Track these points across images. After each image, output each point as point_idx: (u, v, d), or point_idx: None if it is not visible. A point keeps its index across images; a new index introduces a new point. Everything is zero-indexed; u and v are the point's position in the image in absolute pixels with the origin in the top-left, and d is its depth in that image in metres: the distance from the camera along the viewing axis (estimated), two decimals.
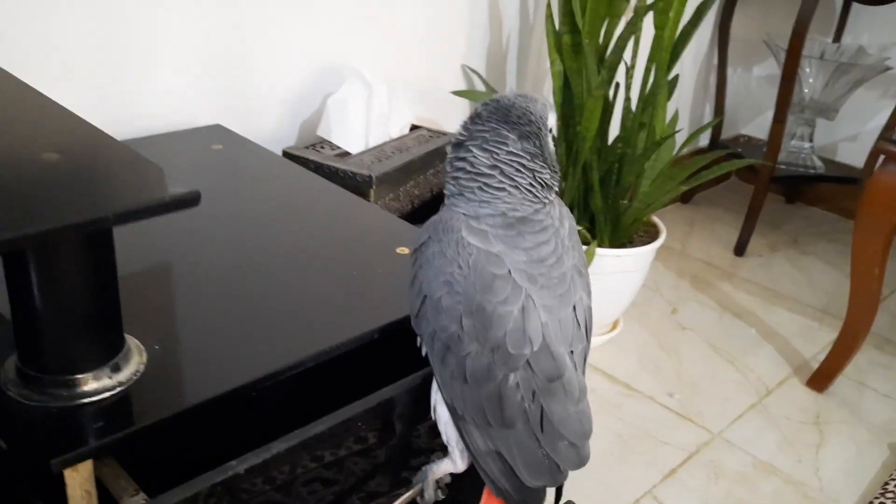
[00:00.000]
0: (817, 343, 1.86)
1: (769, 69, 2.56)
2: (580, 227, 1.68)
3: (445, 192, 0.68)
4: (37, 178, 0.59)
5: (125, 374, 0.67)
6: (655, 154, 1.65)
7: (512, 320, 0.61)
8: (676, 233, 2.36)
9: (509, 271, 0.62)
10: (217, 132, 1.23)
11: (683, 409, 1.61)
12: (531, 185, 0.65)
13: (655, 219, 1.78)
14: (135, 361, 0.69)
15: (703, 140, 2.56)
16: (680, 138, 1.71)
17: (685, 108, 2.45)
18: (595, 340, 1.77)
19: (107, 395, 0.65)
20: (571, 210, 1.67)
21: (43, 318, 0.62)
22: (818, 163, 2.37)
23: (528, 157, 0.65)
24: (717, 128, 2.49)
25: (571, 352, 0.65)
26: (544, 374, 0.62)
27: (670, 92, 1.67)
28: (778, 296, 2.07)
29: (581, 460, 0.66)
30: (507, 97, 0.66)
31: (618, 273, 1.66)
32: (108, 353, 0.66)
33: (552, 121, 0.67)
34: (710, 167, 1.67)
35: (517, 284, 0.62)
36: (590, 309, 0.68)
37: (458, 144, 0.66)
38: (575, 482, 1.37)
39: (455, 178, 0.66)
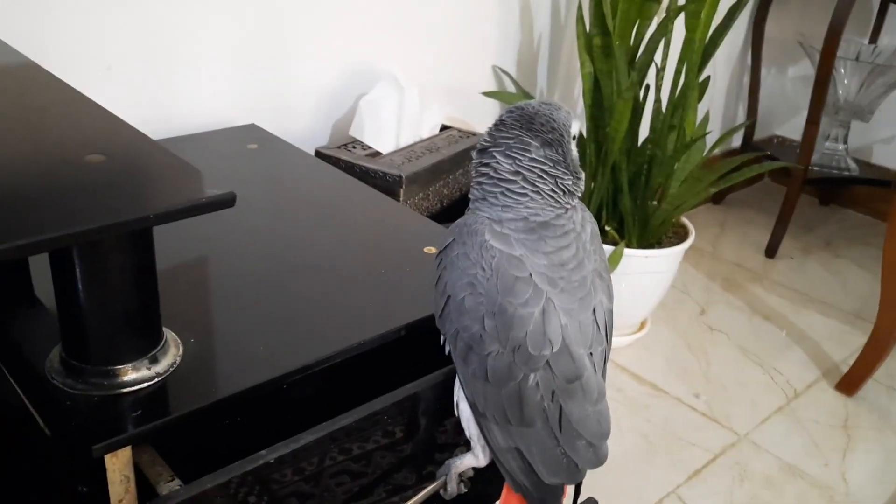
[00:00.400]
0: (848, 347, 1.85)
1: (804, 70, 2.54)
2: (608, 228, 1.69)
3: (470, 196, 0.70)
4: (81, 178, 0.62)
5: (162, 366, 0.70)
6: (685, 155, 1.65)
7: (532, 322, 0.63)
8: (707, 234, 2.35)
9: (530, 274, 0.64)
10: (253, 132, 1.27)
11: (710, 410, 1.61)
12: (553, 190, 0.67)
13: (685, 220, 1.78)
14: (171, 354, 0.72)
15: (736, 141, 2.55)
16: (711, 140, 1.71)
17: (718, 108, 2.44)
18: (622, 341, 1.78)
19: (145, 385, 0.68)
20: (600, 210, 1.68)
21: (86, 313, 0.65)
22: (853, 165, 2.34)
23: (551, 164, 0.67)
24: (750, 129, 2.48)
25: (591, 354, 0.66)
26: (563, 375, 0.64)
27: (701, 94, 1.67)
28: (809, 299, 2.05)
29: (599, 460, 0.67)
30: (532, 105, 0.68)
31: (646, 274, 1.66)
32: (146, 346, 0.69)
33: (576, 128, 0.69)
34: (740, 169, 1.67)
35: (538, 287, 0.64)
36: (610, 312, 0.70)
37: (483, 150, 0.68)
38: (599, 480, 1.38)
39: (479, 183, 0.68)
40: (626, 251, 1.59)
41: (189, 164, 0.64)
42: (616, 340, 1.77)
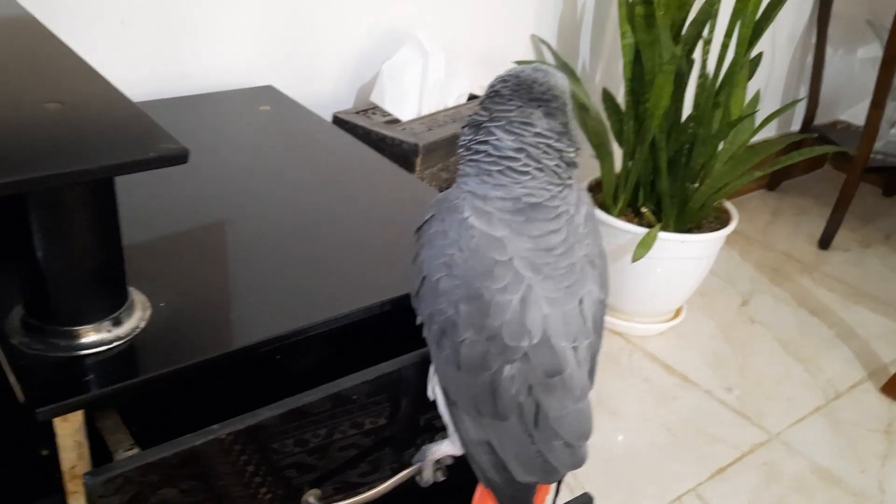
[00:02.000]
0: None
1: (874, 51, 2.38)
2: (645, 209, 1.61)
3: (459, 173, 0.64)
4: (36, 126, 0.59)
5: (125, 329, 0.67)
6: (731, 135, 1.55)
7: (510, 310, 0.58)
8: (758, 221, 2.24)
9: (511, 258, 0.58)
10: (268, 93, 1.23)
11: (742, 406, 1.53)
12: (557, 165, 0.61)
13: (729, 205, 1.68)
14: (136, 317, 0.69)
15: (796, 125, 2.42)
16: (761, 120, 1.60)
17: (776, 88, 2.31)
18: (654, 328, 1.70)
19: (104, 348, 0.65)
20: (636, 191, 1.60)
21: (44, 269, 0.62)
22: None
23: (556, 137, 0.61)
24: (810, 112, 2.34)
25: (575, 347, 0.60)
26: (543, 369, 0.59)
27: (752, 71, 1.56)
28: (862, 294, 1.94)
29: (576, 462, 0.62)
30: (526, 71, 0.61)
31: (682, 259, 1.58)
32: (108, 307, 0.66)
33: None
34: (787, 152, 1.57)
35: (519, 273, 0.58)
36: (601, 303, 0.64)
37: (478, 126, 0.62)
38: (615, 471, 1.33)
39: (474, 161, 0.62)
40: (662, 235, 1.51)
41: (149, 117, 0.60)
42: (648, 327, 1.70)
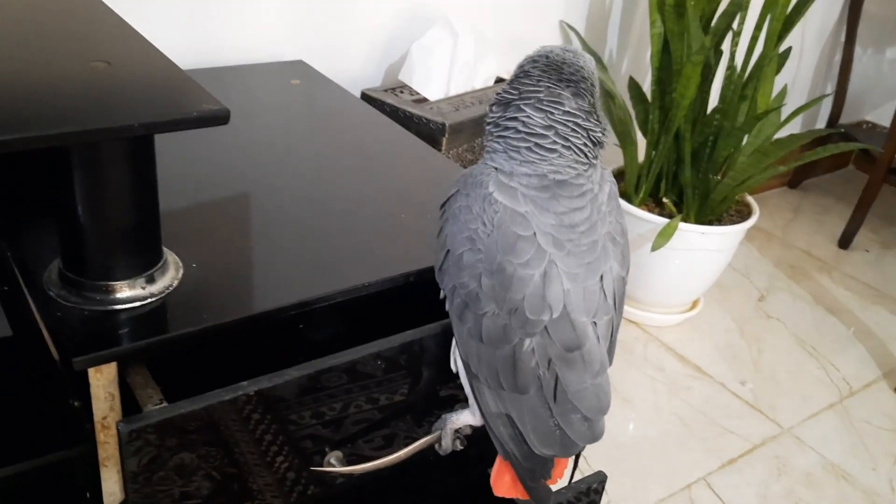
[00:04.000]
0: None
1: None
2: (666, 200, 1.62)
3: (487, 149, 0.65)
4: (83, 83, 0.60)
5: (159, 287, 0.69)
6: (756, 128, 1.55)
7: (532, 284, 0.59)
8: (779, 218, 2.24)
9: (535, 233, 0.59)
10: (299, 68, 1.24)
11: (755, 399, 1.53)
12: (584, 144, 0.62)
13: (751, 199, 1.68)
14: (170, 276, 0.70)
15: (821, 123, 2.40)
16: (786, 115, 1.60)
17: (803, 85, 2.30)
18: (670, 319, 1.71)
19: (138, 304, 0.67)
20: (659, 181, 1.61)
21: (82, 224, 0.64)
22: None
23: (584, 116, 0.62)
24: (836, 111, 2.33)
25: (595, 322, 0.61)
26: (562, 343, 0.60)
27: (780, 65, 1.56)
28: (880, 295, 1.93)
29: (594, 435, 0.63)
30: (556, 52, 0.62)
31: (700, 251, 1.58)
32: (143, 264, 0.68)
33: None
34: (811, 148, 1.56)
35: (541, 248, 0.59)
36: (622, 279, 0.65)
37: (507, 103, 0.63)
38: (627, 458, 1.34)
39: (502, 137, 0.63)
40: (682, 226, 1.51)
41: (192, 79, 0.61)
42: (664, 318, 1.70)
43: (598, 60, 1.63)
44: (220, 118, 0.57)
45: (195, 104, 0.58)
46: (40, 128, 0.53)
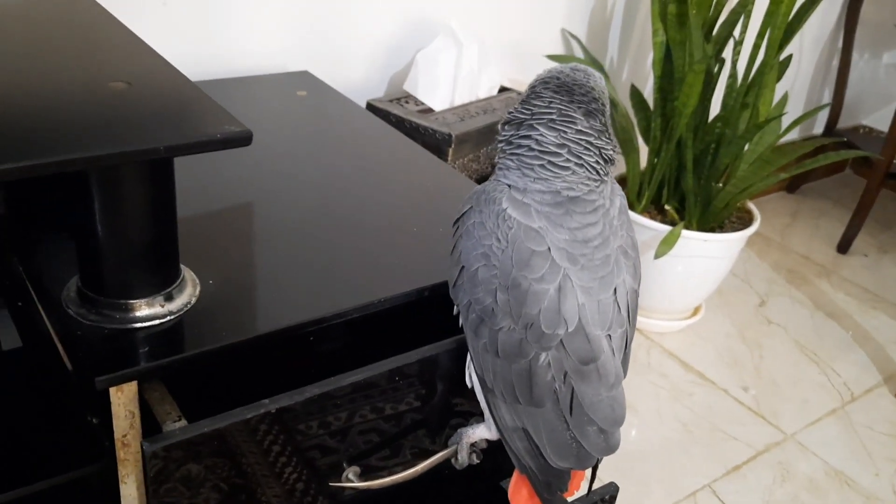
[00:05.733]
0: None
1: None
2: (668, 207, 1.63)
3: (499, 167, 0.66)
4: (102, 104, 0.61)
5: (177, 305, 0.69)
6: (758, 137, 1.56)
7: (547, 298, 0.59)
8: (777, 223, 2.25)
9: (549, 248, 0.60)
10: (304, 79, 1.25)
11: (757, 405, 1.54)
12: (596, 162, 0.63)
13: (751, 206, 1.69)
14: (188, 293, 0.70)
15: (818, 128, 2.42)
16: (787, 123, 1.61)
17: (801, 91, 2.31)
18: (673, 325, 1.72)
19: (157, 322, 0.67)
20: (661, 188, 1.61)
21: (102, 243, 0.64)
22: None
23: (596, 135, 0.63)
24: (833, 116, 2.34)
25: (609, 336, 0.62)
26: (578, 357, 0.60)
27: (781, 73, 1.57)
28: (879, 300, 1.94)
29: (610, 447, 0.63)
30: (565, 72, 0.64)
31: (703, 258, 1.59)
32: (162, 283, 0.68)
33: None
34: (812, 155, 1.57)
35: (555, 263, 0.60)
36: (635, 292, 0.66)
37: (519, 123, 0.64)
38: (631, 466, 1.34)
39: (516, 155, 0.64)
40: (685, 233, 1.52)
41: (211, 98, 0.61)
42: (666, 325, 1.71)
43: (600, 68, 1.63)
44: (243, 139, 0.57)
45: (217, 125, 0.58)
46: (66, 151, 0.53)
